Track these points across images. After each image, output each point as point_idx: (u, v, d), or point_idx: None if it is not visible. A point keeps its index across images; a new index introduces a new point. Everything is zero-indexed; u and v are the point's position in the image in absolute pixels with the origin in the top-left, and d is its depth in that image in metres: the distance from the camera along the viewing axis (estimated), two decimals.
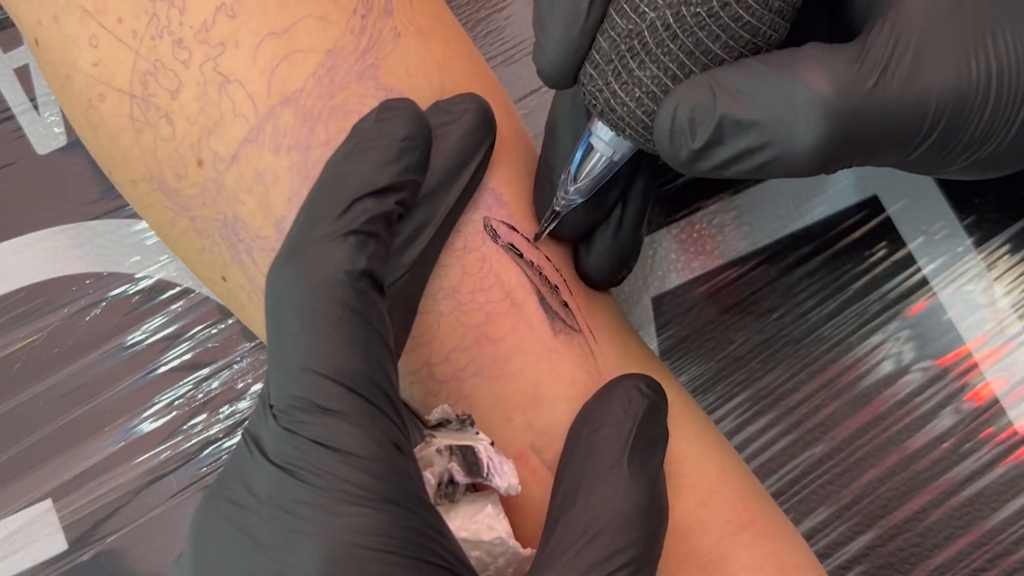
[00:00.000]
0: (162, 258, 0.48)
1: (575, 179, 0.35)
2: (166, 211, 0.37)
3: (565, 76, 0.34)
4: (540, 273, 0.37)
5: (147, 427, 0.46)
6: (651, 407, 0.35)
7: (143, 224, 0.48)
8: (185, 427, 0.46)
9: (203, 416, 0.46)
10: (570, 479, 0.33)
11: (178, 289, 0.47)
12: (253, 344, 0.47)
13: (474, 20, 0.50)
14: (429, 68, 0.37)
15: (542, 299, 0.37)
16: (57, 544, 0.45)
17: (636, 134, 0.33)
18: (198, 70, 0.35)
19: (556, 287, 0.37)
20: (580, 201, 0.36)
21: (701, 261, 0.47)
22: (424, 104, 0.36)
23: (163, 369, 0.47)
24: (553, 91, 0.39)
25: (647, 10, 0.31)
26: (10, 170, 0.48)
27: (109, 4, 0.36)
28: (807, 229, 0.47)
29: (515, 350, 0.36)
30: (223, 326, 0.47)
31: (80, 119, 0.38)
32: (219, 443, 0.46)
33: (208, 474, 0.45)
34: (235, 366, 0.47)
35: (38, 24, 0.38)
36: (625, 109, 0.33)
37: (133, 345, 0.47)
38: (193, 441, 0.46)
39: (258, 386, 0.47)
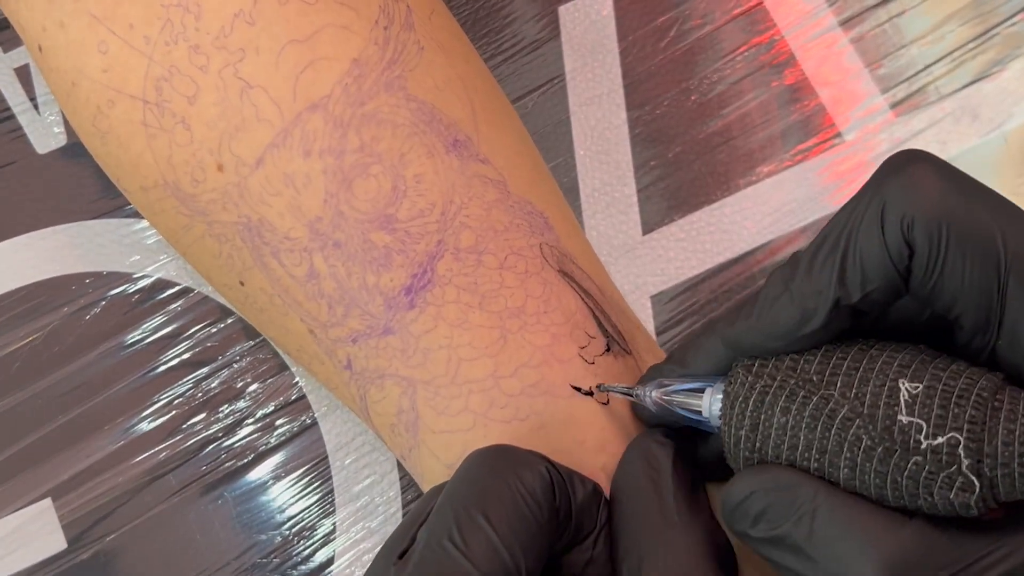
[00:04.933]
0: (161, 257, 0.48)
1: (666, 395, 0.34)
2: (180, 217, 0.37)
3: (752, 353, 0.32)
4: (592, 299, 0.38)
5: (146, 426, 0.46)
6: (675, 455, 0.35)
7: (143, 223, 0.48)
8: (184, 426, 0.46)
9: (202, 415, 0.46)
10: (630, 552, 0.33)
11: (177, 288, 0.47)
12: (253, 343, 0.47)
13: (474, 19, 0.50)
14: (456, 84, 0.38)
15: (599, 324, 0.37)
16: (56, 543, 0.45)
17: (731, 447, 0.32)
18: (217, 75, 0.35)
19: (607, 314, 0.38)
20: (649, 410, 0.35)
21: (701, 259, 0.47)
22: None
23: (162, 368, 0.47)
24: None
25: (852, 412, 0.30)
26: (10, 170, 0.48)
27: (119, 10, 0.36)
28: (809, 226, 0.47)
29: (585, 371, 0.36)
30: (222, 325, 0.47)
31: (87, 126, 0.38)
32: (218, 442, 0.46)
33: (207, 472, 0.45)
34: (234, 365, 0.47)
35: (42, 30, 0.37)
36: (746, 422, 0.32)
37: (132, 344, 0.47)
38: (192, 440, 0.46)
39: (256, 385, 0.47)
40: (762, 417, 0.31)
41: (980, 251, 0.29)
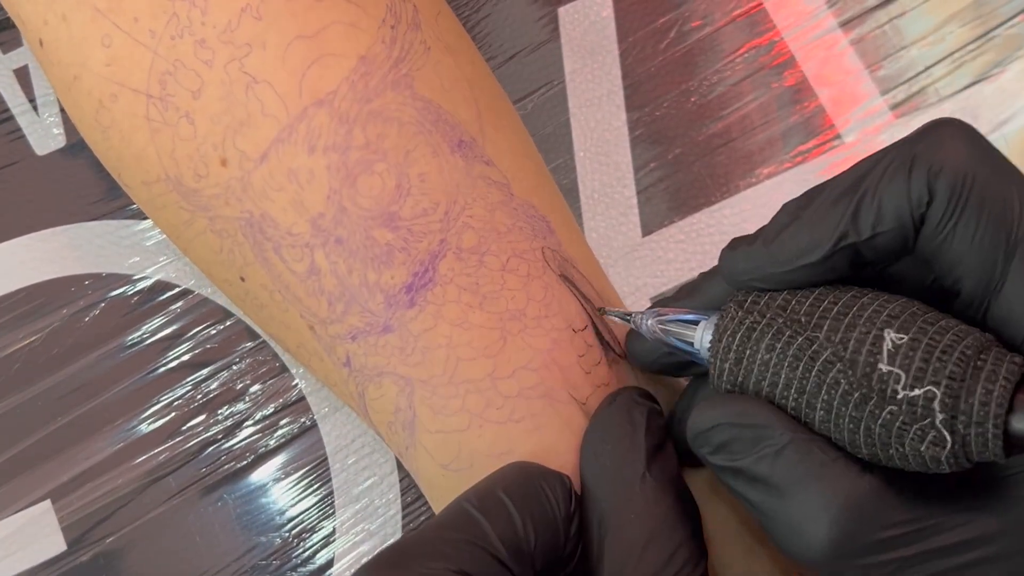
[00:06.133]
0: (161, 259, 0.48)
1: (662, 323, 0.35)
2: (182, 212, 0.37)
3: (749, 277, 0.32)
4: (591, 304, 0.38)
5: (146, 428, 0.46)
6: (650, 413, 0.35)
7: (142, 225, 0.48)
8: (184, 428, 0.46)
9: (202, 417, 0.46)
10: (598, 501, 0.34)
11: (177, 290, 0.47)
12: (253, 344, 0.47)
13: (475, 20, 0.50)
14: (462, 85, 0.38)
15: (596, 330, 0.38)
16: (56, 545, 0.45)
17: (715, 378, 0.33)
18: (222, 70, 0.35)
19: (605, 321, 0.38)
20: (644, 338, 0.36)
21: (701, 261, 0.47)
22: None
23: (162, 370, 0.47)
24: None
25: (834, 356, 0.30)
26: (9, 171, 0.48)
27: (124, 3, 0.36)
28: None
29: (583, 379, 0.37)
30: (222, 327, 0.47)
31: (89, 120, 0.38)
32: (218, 444, 0.46)
33: (207, 475, 0.45)
34: (234, 367, 0.47)
35: (44, 24, 0.37)
36: (731, 355, 0.32)
37: (132, 346, 0.47)
38: (192, 442, 0.46)
39: (256, 387, 0.47)
40: (747, 352, 0.31)
41: (996, 214, 0.29)
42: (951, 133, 0.30)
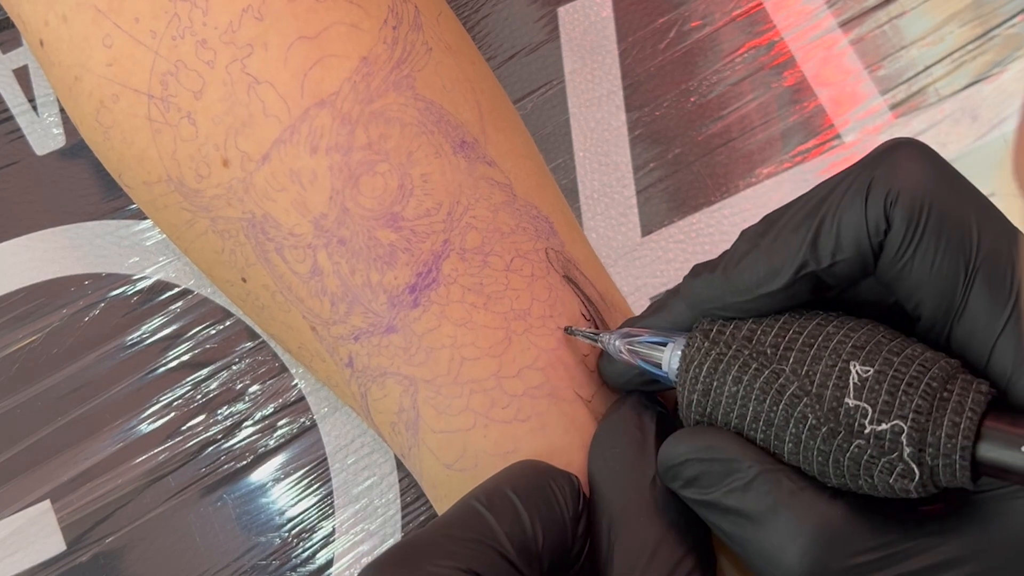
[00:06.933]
0: (161, 259, 0.48)
1: (630, 344, 0.34)
2: (183, 212, 0.37)
3: (710, 306, 0.33)
4: (594, 306, 0.38)
5: (146, 428, 0.46)
6: (659, 417, 0.35)
7: (142, 225, 0.48)
8: (184, 428, 0.46)
9: (202, 417, 0.46)
10: (608, 505, 0.34)
11: (177, 290, 0.47)
12: (253, 344, 0.47)
13: (474, 20, 0.50)
14: (463, 86, 0.38)
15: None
16: (55, 545, 0.45)
17: (683, 407, 0.33)
18: (224, 70, 0.35)
19: (607, 322, 0.38)
20: (612, 360, 0.35)
21: (699, 260, 0.47)
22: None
23: (162, 370, 0.47)
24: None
25: (800, 390, 0.30)
26: (9, 171, 0.48)
27: (125, 4, 0.36)
28: None
29: (588, 378, 0.37)
30: (222, 327, 0.47)
31: (90, 120, 0.38)
32: (218, 444, 0.46)
33: (207, 475, 0.45)
34: (234, 367, 0.47)
35: (44, 24, 0.37)
36: (699, 386, 0.32)
37: (132, 346, 0.47)
38: (192, 442, 0.46)
39: (256, 387, 0.46)
40: (714, 384, 0.31)
41: (955, 240, 0.29)
42: (907, 155, 0.30)
